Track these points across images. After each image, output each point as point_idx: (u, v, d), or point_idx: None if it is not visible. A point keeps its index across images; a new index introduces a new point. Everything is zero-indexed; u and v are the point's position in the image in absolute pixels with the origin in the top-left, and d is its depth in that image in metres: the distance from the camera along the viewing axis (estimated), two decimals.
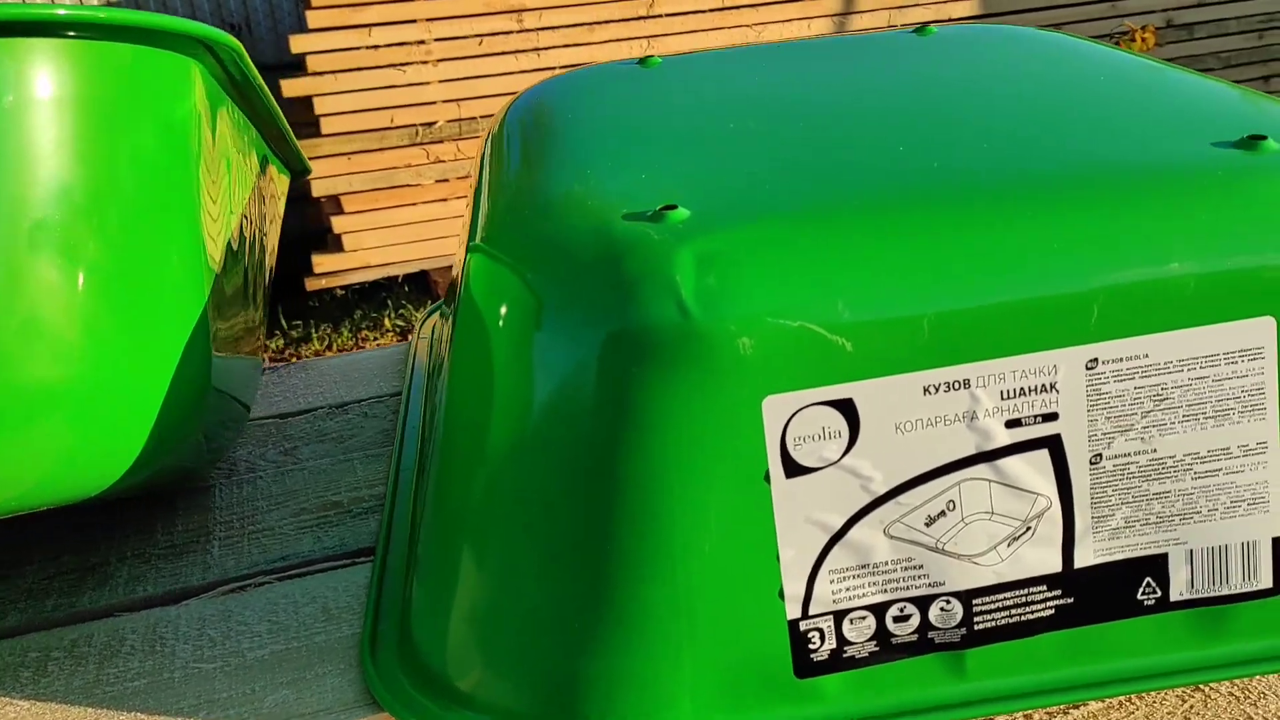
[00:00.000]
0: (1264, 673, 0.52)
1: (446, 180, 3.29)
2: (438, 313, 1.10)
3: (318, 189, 3.19)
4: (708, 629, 0.49)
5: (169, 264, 0.58)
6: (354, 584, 0.65)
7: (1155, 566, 0.51)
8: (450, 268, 3.29)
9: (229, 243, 0.67)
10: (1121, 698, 0.52)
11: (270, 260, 0.91)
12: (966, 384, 0.48)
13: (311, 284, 3.25)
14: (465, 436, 0.55)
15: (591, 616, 0.50)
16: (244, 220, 0.72)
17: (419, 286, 3.46)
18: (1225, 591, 0.51)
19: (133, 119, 0.56)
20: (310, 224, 3.30)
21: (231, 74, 0.66)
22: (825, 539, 0.49)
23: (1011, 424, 0.49)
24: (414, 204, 3.28)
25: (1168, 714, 0.52)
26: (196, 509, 0.77)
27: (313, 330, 3.22)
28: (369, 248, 3.24)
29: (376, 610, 0.61)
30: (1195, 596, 0.51)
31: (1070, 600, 0.51)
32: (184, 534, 0.74)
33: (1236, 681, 0.54)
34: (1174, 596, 0.51)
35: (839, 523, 0.49)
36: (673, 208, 0.50)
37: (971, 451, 0.49)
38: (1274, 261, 0.49)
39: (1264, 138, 0.52)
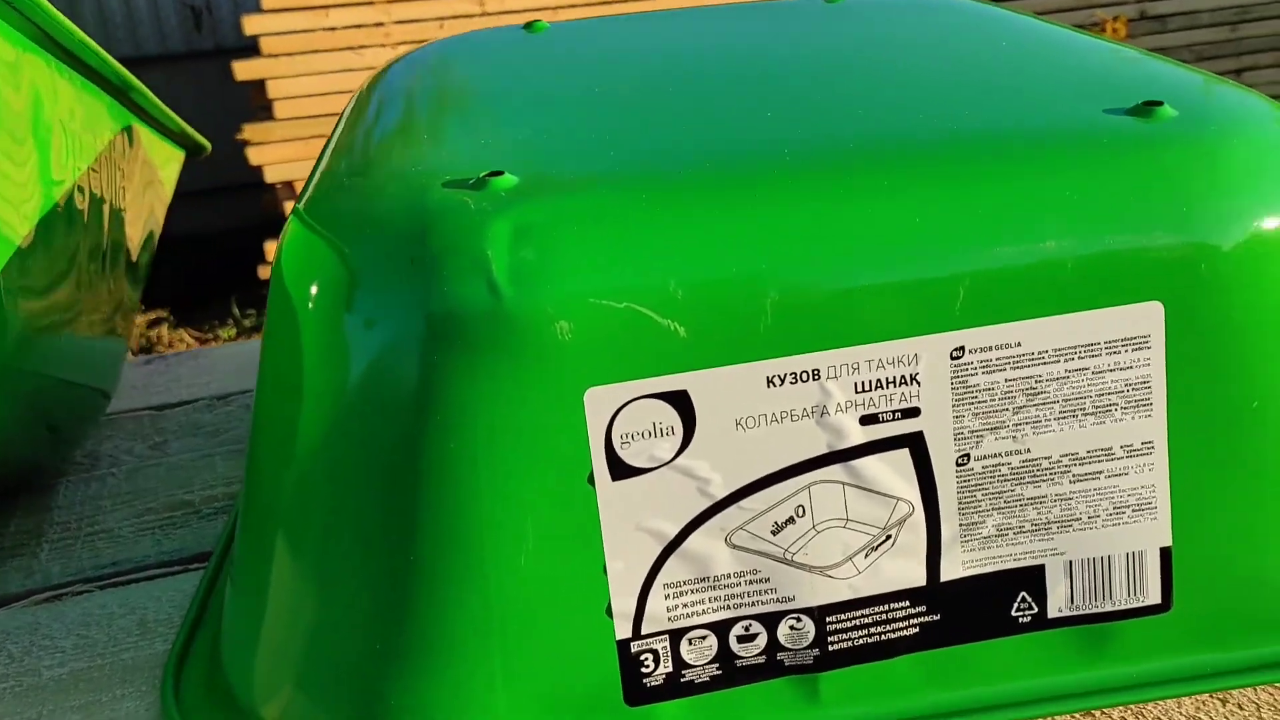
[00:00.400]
0: (1156, 698, 0.47)
1: None
2: None
3: (271, 175, 3.12)
4: (525, 651, 0.44)
5: None
6: (180, 593, 0.60)
7: (1031, 580, 0.46)
8: None
9: (51, 214, 0.61)
10: None
11: (138, 237, 0.85)
12: (816, 375, 0.42)
13: (265, 272, 3.18)
14: (272, 431, 0.49)
15: (397, 637, 0.44)
16: (81, 191, 0.66)
17: None
18: (1109, 608, 0.46)
19: None
20: (265, 210, 3.22)
21: (46, 31, 0.60)
22: (658, 549, 0.43)
23: (867, 420, 0.43)
24: None
25: None
26: (36, 508, 0.71)
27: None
28: None
29: (195, 624, 0.56)
30: (1076, 613, 0.46)
31: (936, 617, 0.45)
32: (15, 535, 0.68)
33: (1131, 706, 0.49)
34: (1052, 613, 0.46)
35: (674, 530, 0.43)
36: (499, 174, 0.45)
37: (823, 451, 0.43)
38: (1164, 241, 0.44)
39: (1160, 104, 0.47)
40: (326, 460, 0.46)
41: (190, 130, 0.95)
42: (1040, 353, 0.43)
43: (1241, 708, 0.49)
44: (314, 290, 0.47)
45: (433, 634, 0.43)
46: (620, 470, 0.42)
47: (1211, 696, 0.51)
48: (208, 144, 1.01)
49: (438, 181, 0.46)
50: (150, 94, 0.79)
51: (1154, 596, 0.46)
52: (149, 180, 0.89)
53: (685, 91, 0.57)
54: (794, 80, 0.57)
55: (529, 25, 0.75)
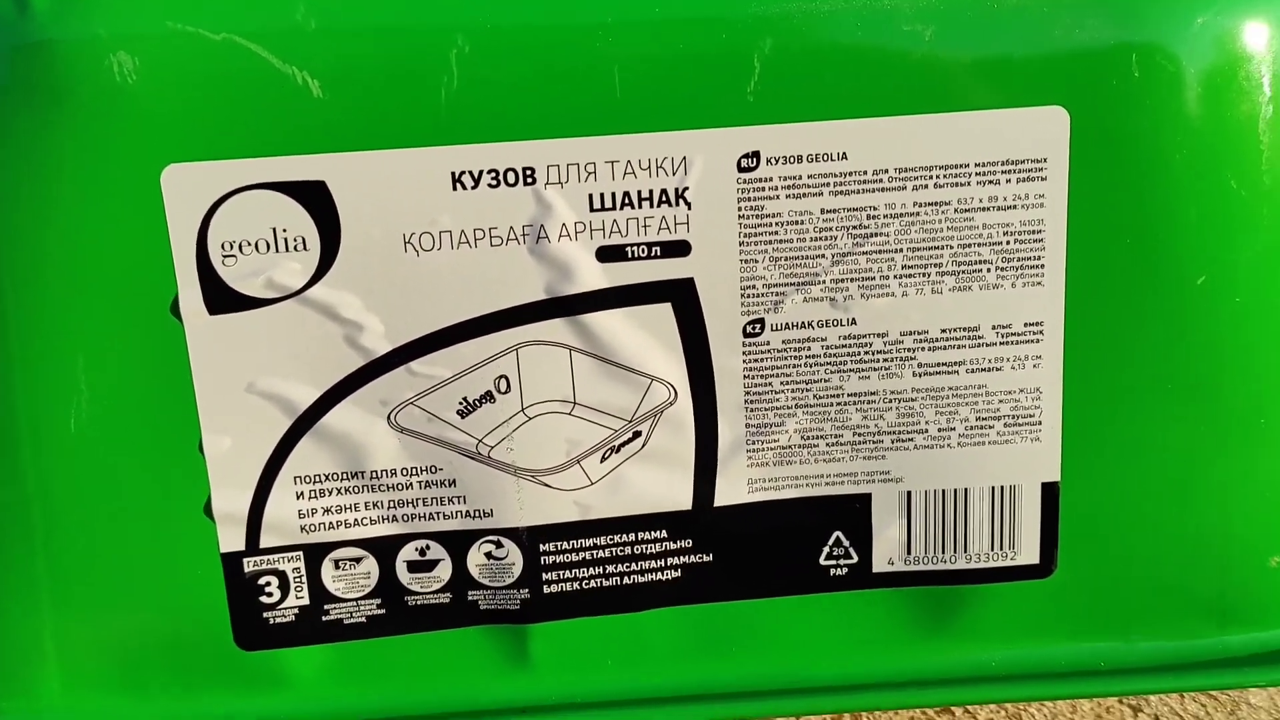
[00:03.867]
0: (1022, 698, 0.33)
1: None
2: None
3: None
4: (84, 566, 0.30)
5: None
6: None
7: (849, 515, 0.31)
8: None
9: None
10: None
11: None
12: (530, 176, 0.28)
13: None
14: None
15: None
16: None
17: None
18: (963, 564, 0.32)
19: None
20: None
21: None
22: (287, 423, 0.29)
23: (608, 254, 0.29)
24: None
25: None
26: None
27: None
28: None
29: None
30: (914, 569, 0.32)
31: (706, 558, 0.31)
32: None
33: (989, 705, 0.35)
34: (879, 565, 0.32)
35: (311, 397, 0.29)
36: None
37: (540, 296, 0.29)
38: (1057, 49, 0.29)
39: None
40: None
41: None
42: (878, 172, 0.28)
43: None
44: None
45: None
46: (222, 299, 0.28)
47: (1120, 702, 0.37)
48: None
49: None
50: None
51: (1029, 553, 0.32)
52: None
53: None
54: None
55: None
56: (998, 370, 0.30)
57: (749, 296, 0.29)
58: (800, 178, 0.28)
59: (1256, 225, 0.30)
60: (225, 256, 0.28)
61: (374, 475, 0.30)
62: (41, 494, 0.29)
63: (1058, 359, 0.30)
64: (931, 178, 0.28)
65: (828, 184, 0.28)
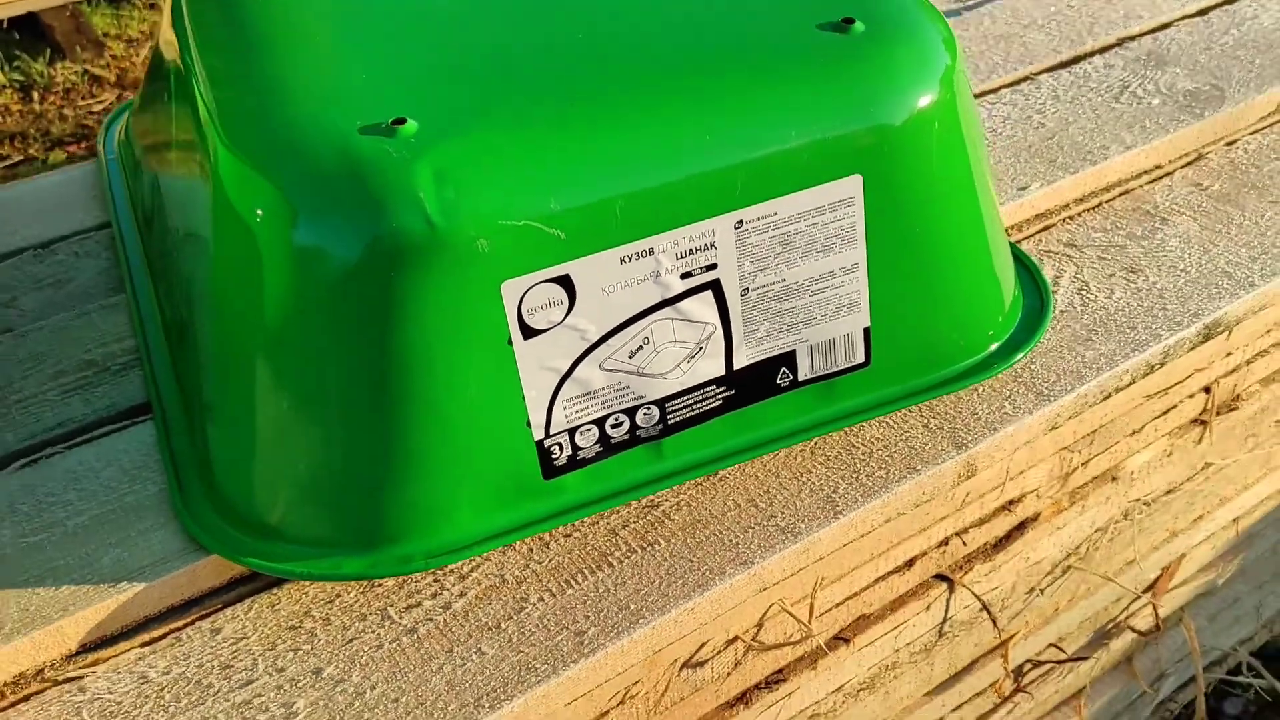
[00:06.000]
0: (864, 420, 0.74)
1: None
2: (122, 123, 1.09)
3: None
4: (476, 456, 0.64)
5: None
6: (142, 443, 0.74)
7: (788, 359, 0.70)
8: (67, 10, 3.03)
9: None
10: (769, 454, 0.72)
11: None
12: (651, 252, 0.63)
13: None
14: (238, 322, 0.65)
15: (381, 460, 0.63)
16: None
17: (31, 31, 3.14)
18: (834, 369, 0.72)
19: None
20: None
21: None
22: (557, 379, 0.64)
23: (685, 276, 0.65)
24: None
25: (799, 452, 0.73)
26: None
27: None
28: None
29: (175, 465, 0.71)
30: (815, 375, 0.71)
31: (732, 392, 0.69)
32: None
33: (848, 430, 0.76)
34: (801, 377, 0.71)
35: (566, 365, 0.64)
36: (402, 122, 0.60)
37: (658, 301, 0.65)
38: (861, 128, 0.66)
39: (853, 20, 0.68)
40: (298, 343, 0.62)
41: None
42: (789, 217, 0.65)
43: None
44: (260, 214, 0.62)
45: (411, 454, 0.63)
46: (528, 332, 0.62)
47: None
48: None
49: (353, 126, 0.61)
50: None
51: (860, 358, 0.72)
52: None
53: (500, 14, 0.72)
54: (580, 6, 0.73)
55: None
56: (840, 288, 0.69)
57: (741, 279, 0.66)
58: (760, 226, 0.65)
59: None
60: (529, 314, 0.62)
61: (594, 393, 0.65)
62: (455, 429, 0.63)
63: (865, 278, 0.69)
64: (810, 214, 0.66)
65: (770, 226, 0.65)
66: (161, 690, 0.62)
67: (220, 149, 0.64)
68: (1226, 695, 1.35)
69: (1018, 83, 1.13)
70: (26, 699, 0.62)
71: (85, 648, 0.64)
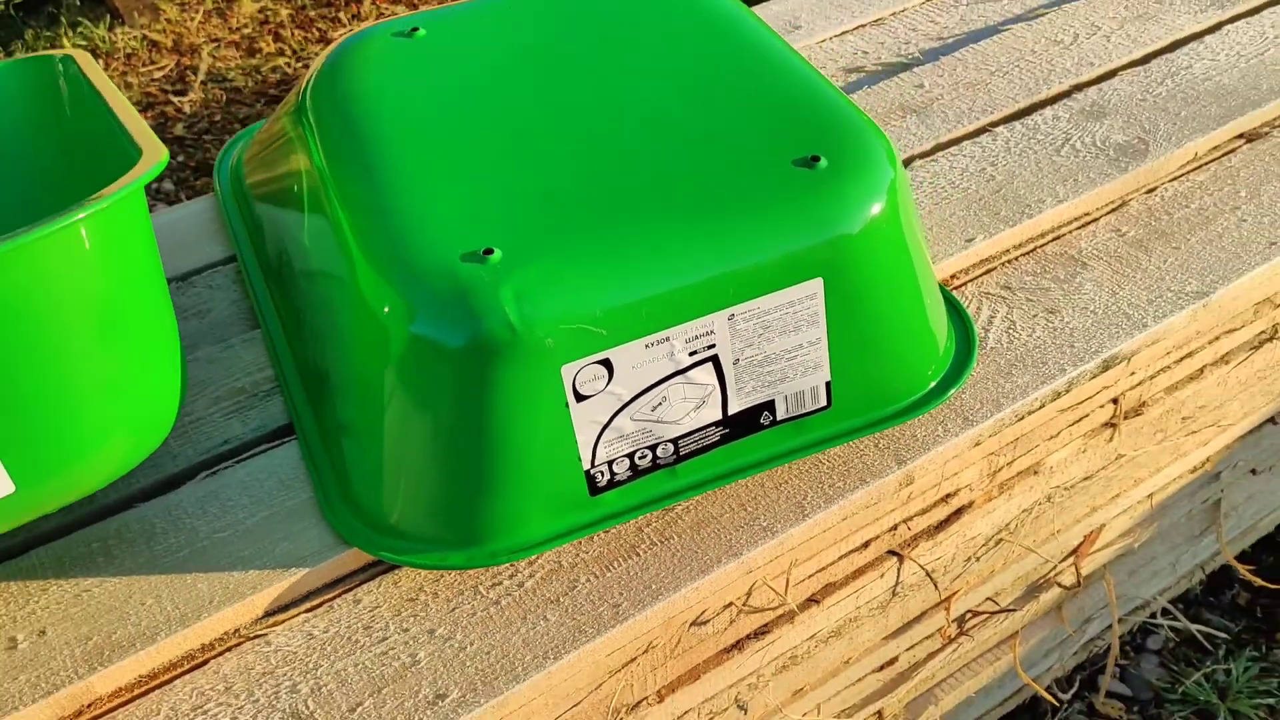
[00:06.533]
0: (827, 448, 0.99)
1: None
2: (232, 161, 1.33)
3: None
4: (542, 482, 0.90)
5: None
6: (290, 459, 1.00)
7: (769, 406, 0.95)
8: None
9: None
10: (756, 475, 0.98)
11: None
12: (668, 339, 0.88)
13: None
14: (370, 382, 0.90)
15: (476, 484, 0.89)
16: None
17: None
18: (804, 411, 0.96)
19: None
20: None
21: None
22: (600, 428, 0.89)
23: (692, 354, 0.89)
24: None
25: (778, 471, 0.98)
26: None
27: None
28: None
29: (320, 480, 0.98)
30: (789, 416, 0.96)
31: (728, 430, 0.95)
32: None
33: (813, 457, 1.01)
34: (779, 418, 0.96)
35: (606, 418, 0.89)
36: (491, 251, 0.85)
37: (672, 371, 0.89)
38: (823, 241, 0.90)
39: (819, 158, 0.91)
40: (417, 406, 0.88)
41: None
42: (768, 310, 0.90)
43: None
44: (386, 310, 0.87)
45: (500, 480, 0.89)
46: (580, 398, 0.87)
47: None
48: None
49: (456, 254, 0.85)
50: None
51: (823, 402, 0.97)
52: None
53: (549, 145, 0.95)
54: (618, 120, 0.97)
55: (410, 33, 1.08)
56: (808, 355, 0.93)
57: (734, 352, 0.90)
58: (747, 316, 0.89)
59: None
60: (581, 385, 0.87)
61: (627, 436, 0.91)
62: (530, 463, 0.88)
63: (825, 347, 0.93)
64: (784, 307, 0.90)
65: (754, 316, 0.89)
66: (323, 644, 0.89)
67: (359, 259, 0.89)
68: (1150, 633, 1.61)
69: (978, 133, 1.35)
70: (230, 649, 0.89)
71: (268, 613, 0.91)
